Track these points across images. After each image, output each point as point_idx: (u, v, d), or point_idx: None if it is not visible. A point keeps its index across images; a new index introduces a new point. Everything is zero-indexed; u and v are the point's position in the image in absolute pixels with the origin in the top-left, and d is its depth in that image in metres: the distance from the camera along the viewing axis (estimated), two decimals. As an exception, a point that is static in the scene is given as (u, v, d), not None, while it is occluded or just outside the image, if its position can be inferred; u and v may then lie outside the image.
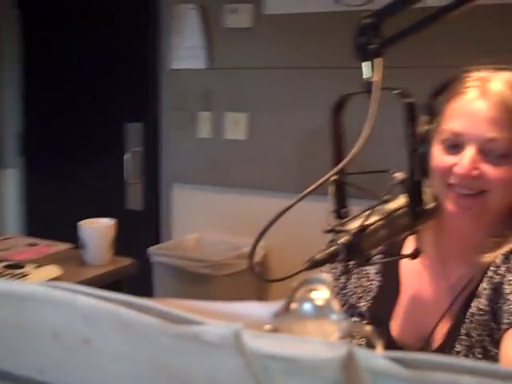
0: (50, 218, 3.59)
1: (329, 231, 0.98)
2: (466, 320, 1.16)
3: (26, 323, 0.50)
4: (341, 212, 1.06)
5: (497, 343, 1.10)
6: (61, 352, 0.50)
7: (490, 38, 2.61)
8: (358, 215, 1.00)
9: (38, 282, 0.46)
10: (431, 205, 1.07)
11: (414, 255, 1.09)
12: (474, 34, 2.62)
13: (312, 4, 2.96)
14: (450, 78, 1.23)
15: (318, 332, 0.41)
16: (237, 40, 3.15)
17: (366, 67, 1.03)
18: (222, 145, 3.24)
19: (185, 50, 3.25)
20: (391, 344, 1.21)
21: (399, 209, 0.99)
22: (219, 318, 0.41)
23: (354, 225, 0.97)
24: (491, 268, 1.16)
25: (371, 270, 1.32)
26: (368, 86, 1.00)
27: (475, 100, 1.14)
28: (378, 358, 0.37)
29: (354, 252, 0.95)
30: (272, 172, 3.11)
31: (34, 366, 0.53)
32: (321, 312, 0.41)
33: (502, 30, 2.60)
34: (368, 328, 0.43)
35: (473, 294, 1.18)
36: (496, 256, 1.16)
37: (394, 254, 1.25)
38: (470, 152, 1.13)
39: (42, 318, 0.48)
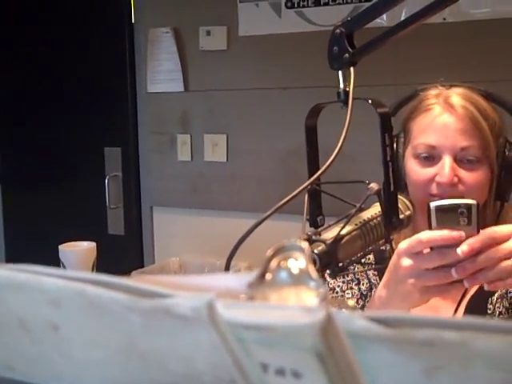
0: (29, 245, 3.55)
1: (304, 240, 0.96)
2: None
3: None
4: (316, 220, 1.04)
5: None
6: (29, 343, 0.48)
7: (454, 55, 2.64)
8: (334, 223, 0.98)
9: None
10: (407, 213, 1.05)
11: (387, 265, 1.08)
12: (436, 52, 2.65)
13: (285, 25, 2.97)
14: (405, 97, 1.36)
15: (296, 300, 0.39)
16: (212, 62, 3.16)
17: (340, 76, 1.03)
18: (201, 167, 3.22)
19: (161, 73, 3.25)
20: None
21: (374, 218, 0.98)
22: (191, 291, 0.39)
23: (329, 234, 0.95)
24: None
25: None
26: (342, 95, 1.00)
27: (442, 115, 1.27)
28: (357, 319, 0.35)
29: (330, 262, 0.93)
30: (253, 193, 3.10)
31: (2, 361, 0.51)
32: (297, 280, 0.39)
33: (467, 47, 2.64)
34: (351, 302, 0.41)
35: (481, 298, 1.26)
36: None
37: (369, 263, 1.28)
38: (448, 161, 1.24)
39: (6, 306, 0.46)
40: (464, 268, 0.98)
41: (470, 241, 0.98)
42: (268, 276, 0.40)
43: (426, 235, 1.01)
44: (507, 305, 1.26)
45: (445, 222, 1.01)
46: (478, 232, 1.00)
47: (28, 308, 0.45)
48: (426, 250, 1.02)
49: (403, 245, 1.03)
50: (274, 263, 0.40)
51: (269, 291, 0.40)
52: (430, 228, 1.02)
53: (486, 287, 1.02)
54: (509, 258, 0.99)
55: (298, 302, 0.39)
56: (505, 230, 1.00)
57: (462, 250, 0.98)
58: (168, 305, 0.39)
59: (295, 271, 0.39)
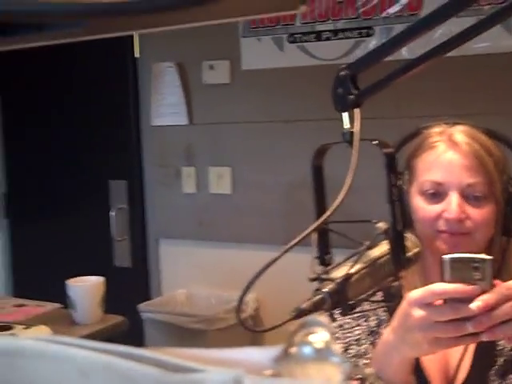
0: (37, 279, 3.55)
1: (314, 279, 0.97)
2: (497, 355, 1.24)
3: (18, 382, 0.48)
4: (325, 258, 1.05)
5: None
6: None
7: (456, 88, 2.68)
8: (343, 262, 0.99)
9: (29, 336, 0.45)
10: (414, 250, 1.07)
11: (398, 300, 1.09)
12: (438, 84, 2.69)
13: (287, 59, 3.01)
14: (408, 134, 1.37)
15: (319, 375, 0.40)
16: (216, 96, 3.19)
17: (345, 118, 1.04)
18: (207, 199, 3.24)
19: (165, 107, 3.28)
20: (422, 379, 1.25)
21: (383, 256, 0.99)
22: (218, 366, 0.41)
23: (338, 272, 0.96)
24: None
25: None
26: (348, 135, 1.01)
27: (446, 152, 1.28)
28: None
29: (340, 301, 0.94)
30: (258, 225, 3.11)
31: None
32: (321, 355, 0.41)
33: (468, 81, 2.68)
34: (369, 370, 0.42)
35: None
36: None
37: (377, 300, 1.28)
38: (455, 198, 1.26)
39: (35, 375, 0.47)
40: (480, 322, 0.99)
41: (485, 297, 0.99)
42: (292, 351, 0.41)
43: (439, 287, 1.01)
44: None
45: (458, 275, 1.01)
46: (492, 286, 1.00)
47: (56, 378, 0.46)
48: (438, 302, 1.02)
49: (415, 294, 1.03)
50: (297, 338, 0.41)
51: (293, 366, 0.41)
52: (442, 279, 1.02)
53: (505, 342, 1.02)
54: None
55: (322, 378, 0.40)
56: None
57: (477, 306, 0.98)
58: (197, 379, 0.40)
59: (319, 346, 0.41)
